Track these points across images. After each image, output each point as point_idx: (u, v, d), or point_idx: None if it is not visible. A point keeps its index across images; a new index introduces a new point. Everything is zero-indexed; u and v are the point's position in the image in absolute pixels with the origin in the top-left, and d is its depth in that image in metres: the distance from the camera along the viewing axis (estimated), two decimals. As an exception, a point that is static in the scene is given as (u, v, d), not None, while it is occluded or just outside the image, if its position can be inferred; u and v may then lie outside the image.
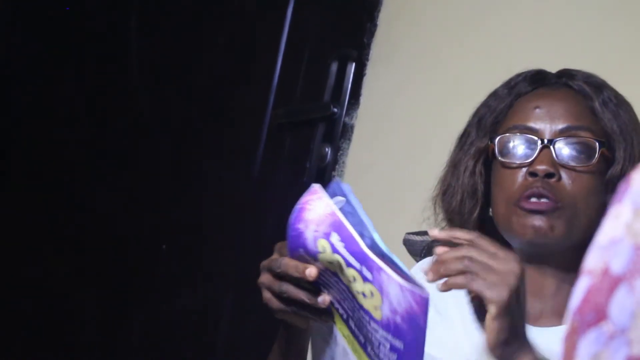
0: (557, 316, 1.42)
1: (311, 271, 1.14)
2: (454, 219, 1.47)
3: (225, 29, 2.68)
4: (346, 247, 1.09)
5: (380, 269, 1.06)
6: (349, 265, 1.09)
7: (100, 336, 2.75)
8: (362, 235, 1.09)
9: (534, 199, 1.37)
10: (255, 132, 2.51)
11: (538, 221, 1.36)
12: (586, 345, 0.50)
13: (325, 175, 2.34)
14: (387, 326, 1.07)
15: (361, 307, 1.10)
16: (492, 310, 1.16)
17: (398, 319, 1.06)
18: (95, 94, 2.93)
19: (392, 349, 1.08)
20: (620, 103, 1.44)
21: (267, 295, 1.20)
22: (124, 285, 2.74)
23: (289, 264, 1.16)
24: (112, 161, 2.84)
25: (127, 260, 2.75)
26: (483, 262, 1.16)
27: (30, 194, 3.03)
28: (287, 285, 1.17)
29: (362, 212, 1.12)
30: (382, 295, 1.06)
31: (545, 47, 2.01)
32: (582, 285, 0.53)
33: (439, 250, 1.18)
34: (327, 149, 2.34)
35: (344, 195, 1.13)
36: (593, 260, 0.54)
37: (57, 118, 3.00)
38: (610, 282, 0.51)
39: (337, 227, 1.09)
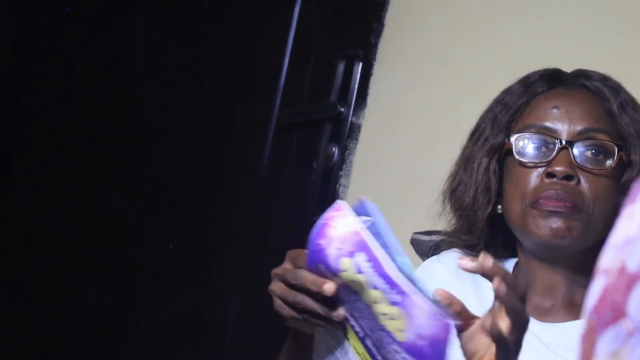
0: (566, 312, 1.42)
1: (329, 287, 1.12)
2: (465, 215, 1.47)
3: (231, 29, 2.68)
4: (374, 269, 1.07)
5: (406, 294, 1.05)
6: (374, 287, 1.08)
7: (106, 336, 2.75)
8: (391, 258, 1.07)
9: (552, 200, 1.36)
10: (262, 132, 2.51)
11: (555, 222, 1.36)
12: (605, 344, 0.51)
13: (332, 176, 2.35)
14: (410, 349, 1.06)
15: (382, 328, 1.09)
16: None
17: (422, 343, 1.05)
18: (101, 93, 2.93)
19: None
20: (636, 106, 1.44)
21: (278, 302, 1.19)
22: (131, 284, 2.74)
23: (306, 278, 1.14)
24: (119, 161, 2.84)
25: (133, 259, 2.76)
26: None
27: (34, 192, 3.03)
28: (302, 296, 1.16)
29: (389, 234, 1.09)
30: (408, 319, 1.05)
31: (553, 46, 2.01)
32: (597, 285, 0.54)
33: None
34: (334, 149, 2.34)
35: (368, 215, 1.11)
36: (608, 259, 0.54)
37: (62, 117, 3.01)
38: (627, 281, 0.51)
39: (364, 248, 1.08)
